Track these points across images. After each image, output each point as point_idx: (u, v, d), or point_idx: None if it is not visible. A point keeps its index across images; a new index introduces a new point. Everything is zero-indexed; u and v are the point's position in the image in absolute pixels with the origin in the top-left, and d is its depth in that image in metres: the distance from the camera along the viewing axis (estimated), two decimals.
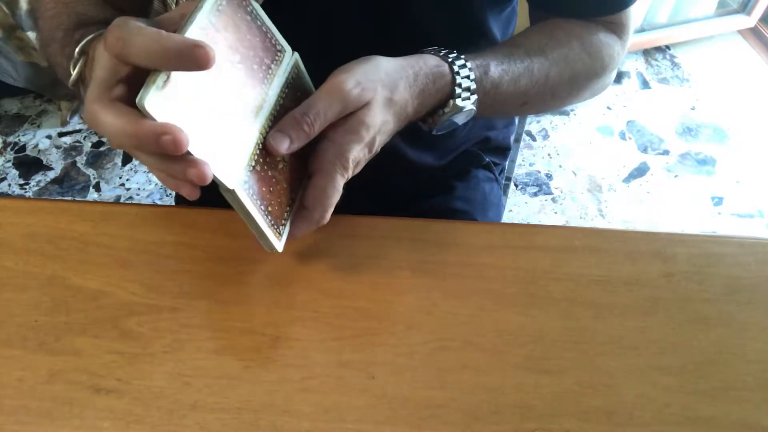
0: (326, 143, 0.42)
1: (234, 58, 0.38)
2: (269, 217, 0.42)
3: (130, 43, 0.32)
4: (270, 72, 0.41)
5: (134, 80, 0.35)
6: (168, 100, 0.33)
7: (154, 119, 0.32)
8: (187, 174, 0.34)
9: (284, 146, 0.40)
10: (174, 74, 0.33)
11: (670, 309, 0.47)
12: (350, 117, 0.42)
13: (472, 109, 0.48)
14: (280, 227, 0.43)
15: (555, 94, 0.55)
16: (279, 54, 0.42)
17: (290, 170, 0.44)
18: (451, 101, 0.47)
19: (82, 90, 0.44)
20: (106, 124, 0.34)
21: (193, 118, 0.35)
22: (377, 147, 0.45)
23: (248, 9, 0.39)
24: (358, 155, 0.43)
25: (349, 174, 0.43)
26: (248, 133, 0.40)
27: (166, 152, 0.32)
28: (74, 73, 0.43)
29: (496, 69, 0.49)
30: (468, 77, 0.47)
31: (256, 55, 0.40)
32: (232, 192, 0.38)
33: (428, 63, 0.46)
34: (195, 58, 0.31)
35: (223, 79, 0.37)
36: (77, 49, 0.43)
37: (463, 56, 0.48)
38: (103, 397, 0.41)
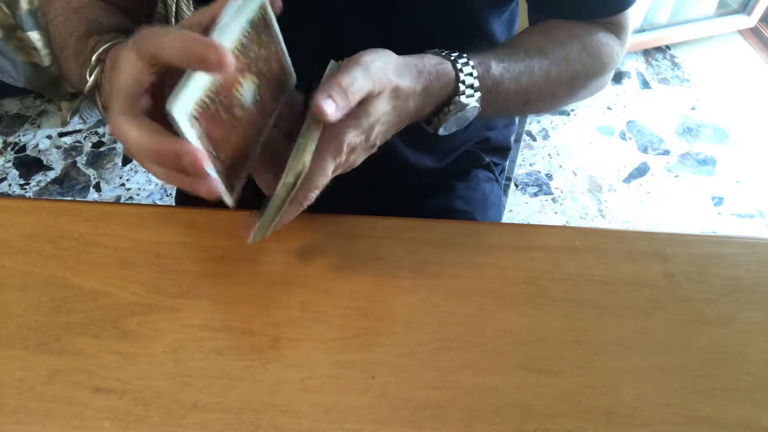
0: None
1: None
2: (217, 162, 0.38)
3: (162, 40, 0.32)
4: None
5: (158, 90, 0.35)
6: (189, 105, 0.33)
7: (179, 126, 0.32)
8: (197, 192, 0.35)
9: (332, 110, 0.38)
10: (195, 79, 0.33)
11: (670, 309, 0.47)
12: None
13: (476, 107, 0.48)
14: (233, 180, 0.40)
15: (555, 94, 0.55)
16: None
17: (248, 121, 0.40)
18: (456, 98, 0.47)
19: (98, 97, 0.44)
20: (129, 137, 0.34)
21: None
22: (375, 138, 0.44)
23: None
24: (353, 140, 0.41)
25: (342, 159, 0.41)
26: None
27: (185, 172, 0.34)
28: (90, 80, 0.43)
29: (497, 67, 0.49)
30: (471, 74, 0.47)
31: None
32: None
33: (431, 61, 0.46)
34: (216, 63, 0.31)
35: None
36: (94, 57, 0.43)
37: (465, 54, 0.48)
38: (103, 397, 0.41)
